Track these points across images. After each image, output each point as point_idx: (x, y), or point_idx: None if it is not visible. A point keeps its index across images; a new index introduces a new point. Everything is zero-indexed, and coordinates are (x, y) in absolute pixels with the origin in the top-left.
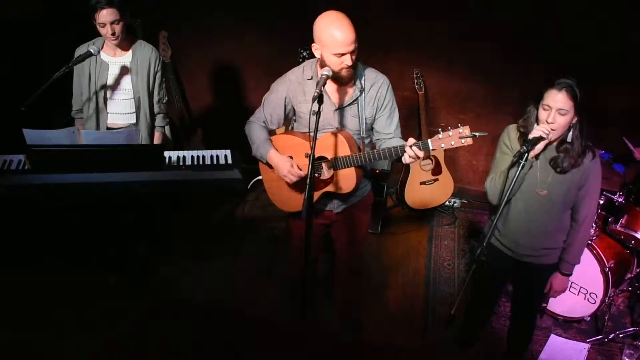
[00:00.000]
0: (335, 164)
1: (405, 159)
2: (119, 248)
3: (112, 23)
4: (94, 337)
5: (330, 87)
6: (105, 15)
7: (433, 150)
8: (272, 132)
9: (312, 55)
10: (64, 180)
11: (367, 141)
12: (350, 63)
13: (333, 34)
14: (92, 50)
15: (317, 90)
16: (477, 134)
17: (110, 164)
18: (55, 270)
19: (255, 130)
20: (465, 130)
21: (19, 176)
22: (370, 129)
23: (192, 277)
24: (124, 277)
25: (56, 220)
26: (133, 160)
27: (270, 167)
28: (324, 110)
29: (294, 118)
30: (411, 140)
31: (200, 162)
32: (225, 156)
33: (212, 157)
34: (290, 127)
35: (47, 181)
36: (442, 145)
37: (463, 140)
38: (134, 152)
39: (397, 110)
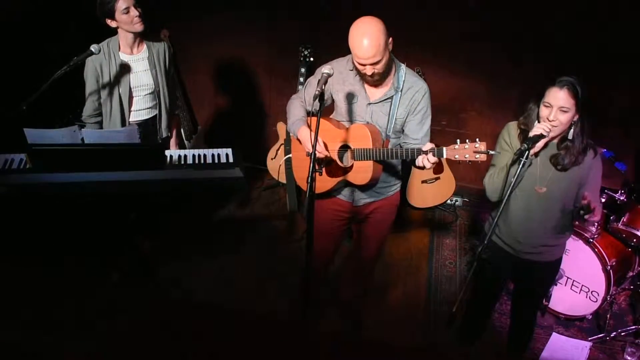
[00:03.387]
0: (356, 154)
1: (419, 161)
2: (120, 247)
3: (134, 5)
4: (94, 337)
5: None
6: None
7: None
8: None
9: (312, 54)
10: (65, 180)
11: (392, 141)
12: (369, 73)
13: (355, 44)
14: (93, 49)
15: (319, 89)
16: (491, 151)
17: (112, 163)
18: (55, 269)
19: (294, 107)
20: (481, 146)
21: (20, 175)
22: (400, 130)
23: (192, 276)
24: (125, 276)
25: (57, 219)
26: (134, 159)
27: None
28: (357, 103)
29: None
30: (429, 145)
31: (202, 161)
32: (227, 155)
33: (213, 155)
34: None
35: (48, 180)
36: (456, 156)
37: (477, 156)
38: (135, 151)
39: (429, 119)
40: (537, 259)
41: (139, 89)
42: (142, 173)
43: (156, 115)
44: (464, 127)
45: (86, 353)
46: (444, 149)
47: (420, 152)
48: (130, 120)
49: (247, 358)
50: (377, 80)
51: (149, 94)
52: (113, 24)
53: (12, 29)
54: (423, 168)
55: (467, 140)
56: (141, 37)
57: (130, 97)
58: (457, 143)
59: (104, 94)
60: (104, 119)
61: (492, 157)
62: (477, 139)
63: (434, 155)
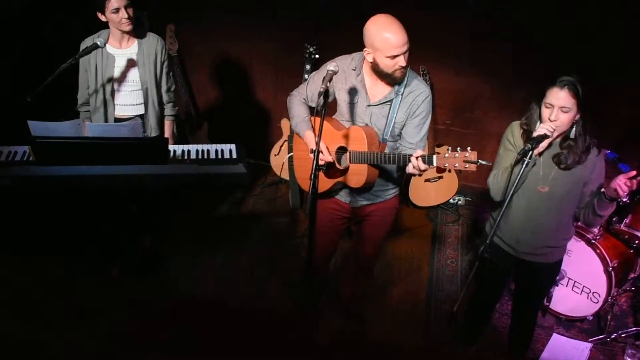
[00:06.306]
0: (351, 157)
1: (409, 168)
2: (122, 241)
3: (125, 7)
4: (95, 337)
5: (369, 83)
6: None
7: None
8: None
9: (317, 51)
10: (68, 173)
11: (390, 145)
12: (404, 64)
13: (386, 37)
14: (98, 42)
15: (323, 86)
16: (483, 162)
17: (115, 157)
18: (56, 263)
19: (296, 105)
20: (472, 155)
21: (23, 168)
22: (398, 135)
23: (194, 272)
24: (127, 272)
25: (59, 212)
26: (138, 153)
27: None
28: (357, 103)
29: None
30: (418, 152)
31: (205, 156)
32: (230, 150)
33: (217, 151)
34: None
35: (51, 173)
36: (446, 164)
37: (467, 165)
38: (138, 145)
39: (427, 125)
40: (537, 260)
41: (124, 84)
42: (145, 167)
43: (144, 113)
44: (468, 127)
45: (87, 351)
46: (434, 156)
47: (410, 158)
48: (115, 114)
49: (247, 356)
50: (403, 76)
51: (136, 90)
52: (103, 19)
53: (17, 22)
54: (413, 175)
55: (458, 149)
56: (132, 33)
57: (113, 91)
58: (448, 151)
59: (91, 83)
60: (90, 110)
61: (496, 157)
62: (469, 148)
63: (424, 162)
